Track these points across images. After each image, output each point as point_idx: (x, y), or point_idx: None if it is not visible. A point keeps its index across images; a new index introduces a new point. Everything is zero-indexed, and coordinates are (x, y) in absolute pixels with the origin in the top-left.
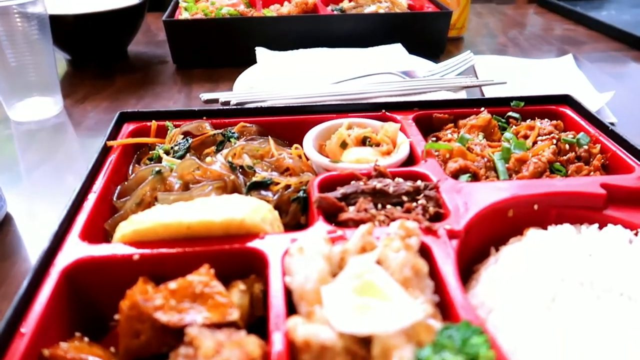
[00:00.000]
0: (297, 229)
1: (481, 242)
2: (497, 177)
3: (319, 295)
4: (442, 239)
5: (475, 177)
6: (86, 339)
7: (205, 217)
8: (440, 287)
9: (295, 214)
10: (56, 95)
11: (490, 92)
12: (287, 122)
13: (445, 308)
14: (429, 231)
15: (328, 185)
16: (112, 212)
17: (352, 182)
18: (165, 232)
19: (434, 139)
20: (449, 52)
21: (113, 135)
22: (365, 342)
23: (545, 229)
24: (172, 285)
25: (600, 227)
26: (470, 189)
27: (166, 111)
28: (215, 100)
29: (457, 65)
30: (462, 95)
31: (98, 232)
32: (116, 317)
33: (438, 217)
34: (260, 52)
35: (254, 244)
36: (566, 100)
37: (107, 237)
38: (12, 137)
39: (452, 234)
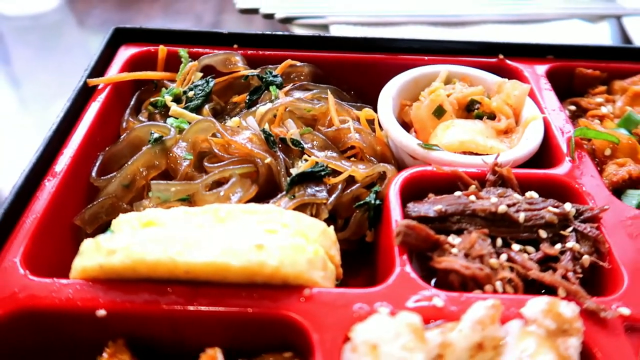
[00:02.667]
0: (358, 250)
1: None
2: None
3: None
4: (617, 334)
5: None
6: None
7: (217, 259)
8: None
9: (359, 227)
10: None
11: (637, 27)
12: (354, 62)
13: None
14: (591, 316)
15: (415, 187)
16: (89, 192)
17: (457, 194)
18: (151, 273)
19: (573, 107)
20: None
21: (103, 64)
22: None
23: None
24: None
25: None
26: None
27: (180, 32)
28: (255, 11)
29: None
30: (603, 28)
31: (60, 238)
32: None
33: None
34: None
35: (292, 307)
36: None
37: (77, 238)
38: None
39: (632, 325)
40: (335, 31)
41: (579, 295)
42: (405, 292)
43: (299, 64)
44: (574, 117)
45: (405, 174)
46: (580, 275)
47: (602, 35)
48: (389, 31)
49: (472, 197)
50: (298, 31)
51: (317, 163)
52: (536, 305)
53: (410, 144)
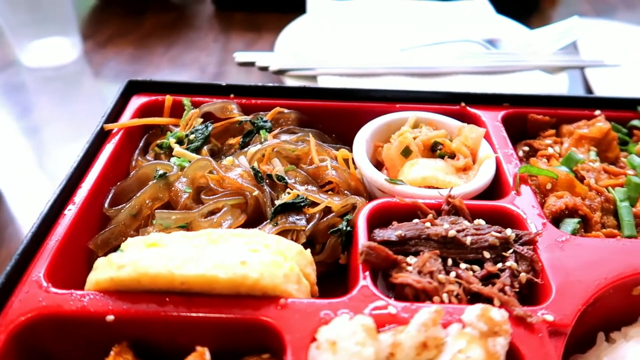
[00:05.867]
0: (334, 272)
1: (586, 323)
2: (619, 228)
3: None
4: (541, 337)
5: (586, 223)
6: None
7: (207, 272)
8: None
9: (333, 251)
10: (73, 36)
11: (597, 77)
12: (335, 109)
13: None
14: (520, 322)
15: (381, 216)
16: (102, 220)
17: (415, 221)
18: (153, 284)
19: (527, 148)
20: (542, 11)
21: (117, 111)
22: None
23: None
24: None
25: None
26: (581, 248)
27: (185, 84)
28: (252, 64)
29: (558, 37)
30: (562, 78)
31: (77, 257)
32: None
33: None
34: None
35: (269, 314)
36: None
37: (91, 259)
38: (24, 85)
39: (555, 330)
40: (322, 82)
41: (510, 304)
42: (365, 302)
43: (286, 110)
44: (527, 157)
45: (372, 204)
46: (517, 289)
47: (561, 85)
48: (370, 81)
49: (428, 224)
50: (290, 82)
51: (298, 196)
52: (472, 311)
53: (379, 179)
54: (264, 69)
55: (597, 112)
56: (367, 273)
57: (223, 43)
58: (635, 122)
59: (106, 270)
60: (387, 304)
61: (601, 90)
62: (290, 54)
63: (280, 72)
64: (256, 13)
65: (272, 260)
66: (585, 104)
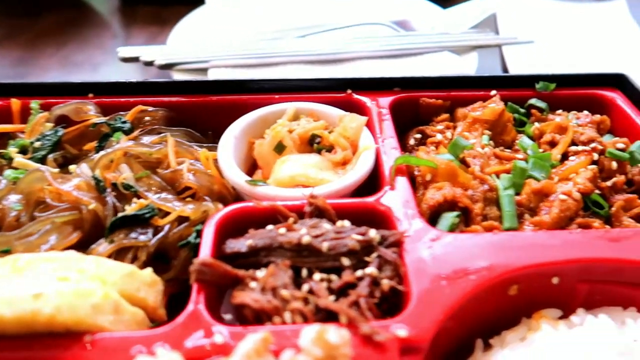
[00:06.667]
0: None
1: (461, 330)
2: (500, 221)
3: None
4: (390, 356)
5: (466, 216)
6: None
7: None
8: None
9: (184, 267)
10: None
11: (514, 55)
12: (210, 105)
13: None
14: (368, 341)
15: (238, 224)
16: None
17: (269, 228)
18: None
19: (419, 135)
20: None
21: None
22: None
23: (568, 315)
24: None
25: None
26: (451, 247)
27: (36, 84)
28: (136, 59)
29: (472, 16)
30: (472, 58)
31: None
32: None
33: (395, 297)
34: None
35: (67, 355)
36: (619, 81)
37: None
38: None
39: (410, 347)
40: (213, 75)
41: (356, 320)
42: (189, 330)
43: (151, 109)
44: (419, 145)
45: (223, 211)
46: (376, 300)
47: (470, 66)
48: (267, 71)
49: (282, 230)
50: (178, 77)
51: (147, 205)
52: (307, 334)
53: (239, 181)
54: (149, 63)
55: (493, 92)
56: (201, 295)
57: (123, 39)
58: (532, 101)
59: None
60: (215, 331)
61: (517, 68)
62: (180, 47)
63: (167, 67)
64: (162, 7)
65: (77, 290)
66: (481, 84)
